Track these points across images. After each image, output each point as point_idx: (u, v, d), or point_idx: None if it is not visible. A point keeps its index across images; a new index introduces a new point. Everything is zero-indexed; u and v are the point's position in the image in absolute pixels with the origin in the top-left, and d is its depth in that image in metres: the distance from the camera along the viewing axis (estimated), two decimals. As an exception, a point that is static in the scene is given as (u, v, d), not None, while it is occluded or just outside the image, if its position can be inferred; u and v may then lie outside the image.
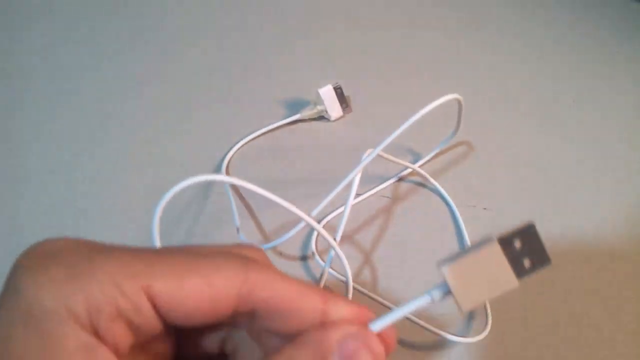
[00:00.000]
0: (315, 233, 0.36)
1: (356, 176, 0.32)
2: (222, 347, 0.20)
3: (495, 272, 0.17)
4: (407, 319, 0.31)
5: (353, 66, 0.49)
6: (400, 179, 0.40)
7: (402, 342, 0.31)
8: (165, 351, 0.19)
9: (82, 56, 0.50)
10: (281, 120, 0.43)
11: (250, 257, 0.18)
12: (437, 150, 0.40)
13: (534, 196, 0.39)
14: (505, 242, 0.17)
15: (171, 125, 0.44)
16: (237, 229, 0.36)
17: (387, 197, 0.39)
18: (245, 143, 0.42)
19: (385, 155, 0.34)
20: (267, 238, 0.36)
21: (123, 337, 0.16)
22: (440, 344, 0.31)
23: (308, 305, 0.17)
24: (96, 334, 0.15)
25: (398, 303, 0.33)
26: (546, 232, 0.24)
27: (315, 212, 0.34)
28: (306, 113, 0.43)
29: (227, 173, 0.40)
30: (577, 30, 0.53)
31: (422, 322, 0.31)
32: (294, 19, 0.54)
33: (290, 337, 0.17)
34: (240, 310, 0.17)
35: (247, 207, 0.38)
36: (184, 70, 0.48)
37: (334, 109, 0.43)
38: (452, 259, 0.17)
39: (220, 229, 0.37)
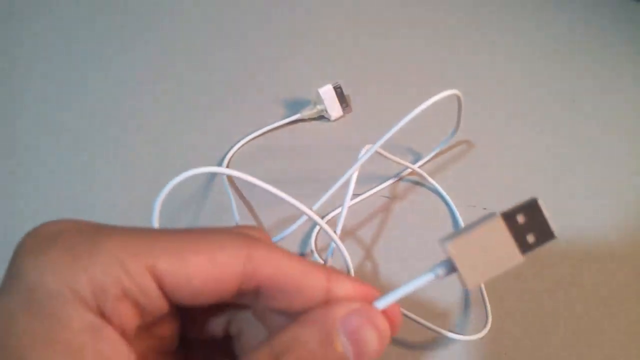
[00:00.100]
0: (314, 230, 0.36)
1: (355, 171, 0.32)
2: (227, 329, 0.20)
3: (499, 248, 0.17)
4: (408, 317, 0.31)
5: (353, 66, 0.49)
6: (400, 179, 0.40)
7: (402, 341, 0.31)
8: (171, 333, 0.18)
9: (82, 56, 0.50)
10: (281, 119, 0.43)
11: (252, 236, 0.18)
12: (437, 150, 0.40)
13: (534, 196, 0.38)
14: (509, 217, 0.17)
15: (172, 125, 0.44)
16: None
17: (387, 197, 0.39)
18: (246, 143, 0.42)
19: (384, 152, 0.34)
20: (266, 236, 0.36)
21: (129, 317, 0.15)
22: (440, 342, 0.31)
23: (312, 282, 0.17)
24: (102, 315, 0.15)
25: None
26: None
27: (314, 209, 0.34)
28: (306, 113, 0.43)
29: (227, 173, 0.40)
30: (577, 30, 0.53)
31: (422, 320, 0.31)
32: (294, 19, 0.54)
33: (295, 316, 0.17)
34: (245, 289, 0.17)
35: (247, 204, 0.38)
36: (184, 69, 0.48)
37: (334, 109, 0.43)
38: (456, 235, 0.17)
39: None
